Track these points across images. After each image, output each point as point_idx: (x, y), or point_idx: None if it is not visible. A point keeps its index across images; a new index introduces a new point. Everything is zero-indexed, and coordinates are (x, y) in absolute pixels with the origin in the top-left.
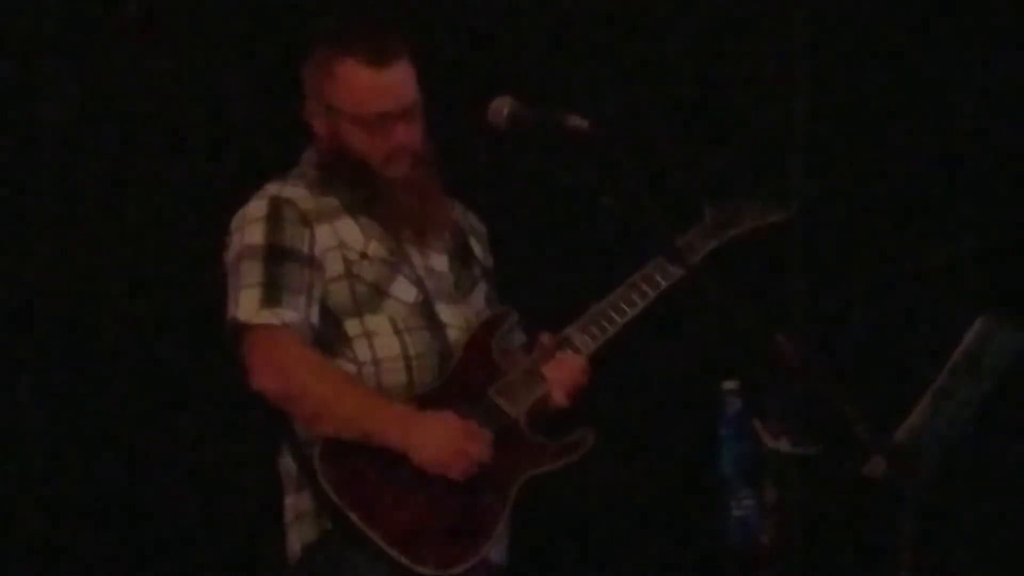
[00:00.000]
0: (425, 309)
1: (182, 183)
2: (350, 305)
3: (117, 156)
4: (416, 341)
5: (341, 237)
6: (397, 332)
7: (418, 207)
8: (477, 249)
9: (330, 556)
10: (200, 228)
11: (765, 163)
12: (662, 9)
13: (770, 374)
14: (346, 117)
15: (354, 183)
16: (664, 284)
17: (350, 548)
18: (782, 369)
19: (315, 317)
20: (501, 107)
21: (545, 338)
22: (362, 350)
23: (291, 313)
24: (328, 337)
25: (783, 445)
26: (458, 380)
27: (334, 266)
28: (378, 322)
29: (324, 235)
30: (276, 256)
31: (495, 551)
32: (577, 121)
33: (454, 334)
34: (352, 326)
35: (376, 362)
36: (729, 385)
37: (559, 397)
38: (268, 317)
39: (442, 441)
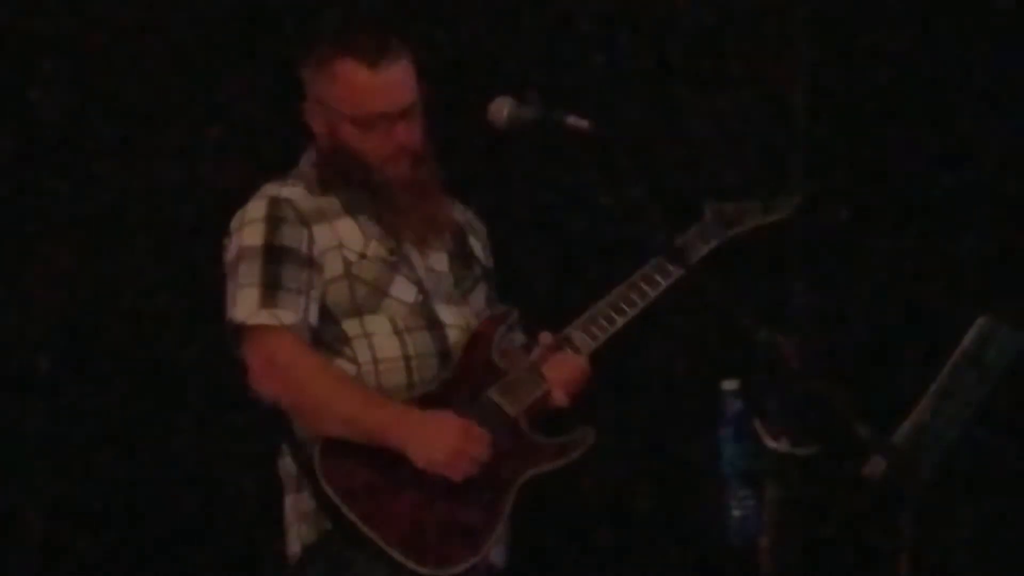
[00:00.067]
0: (425, 309)
1: (182, 183)
2: (349, 305)
3: (117, 156)
4: (416, 341)
5: (340, 237)
6: (397, 332)
7: (418, 207)
8: (477, 249)
9: (330, 556)
10: (200, 228)
11: (765, 163)
12: (662, 9)
13: (770, 374)
14: (345, 117)
15: (353, 183)
16: (664, 284)
17: (350, 548)
18: (782, 369)
19: (314, 317)
20: (501, 107)
21: (545, 338)
22: (362, 350)
23: (289, 314)
24: (327, 337)
25: (783, 445)
26: (458, 380)
27: (333, 266)
28: (378, 322)
29: (323, 235)
30: (275, 256)
31: (495, 551)
32: (577, 121)
33: (454, 334)
34: (351, 326)
35: (376, 362)
36: (729, 385)
37: (559, 397)
38: (266, 318)
39: (442, 441)
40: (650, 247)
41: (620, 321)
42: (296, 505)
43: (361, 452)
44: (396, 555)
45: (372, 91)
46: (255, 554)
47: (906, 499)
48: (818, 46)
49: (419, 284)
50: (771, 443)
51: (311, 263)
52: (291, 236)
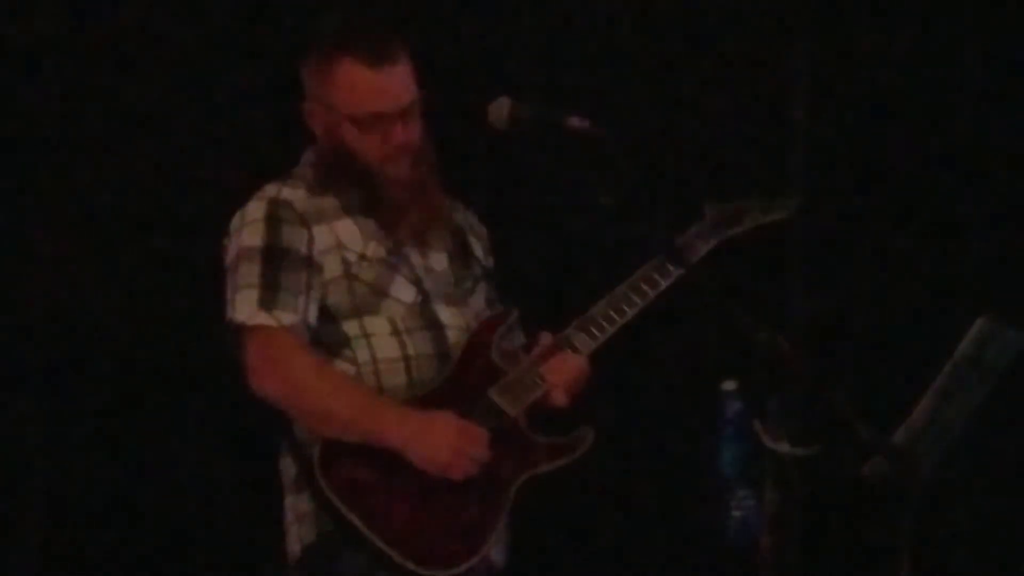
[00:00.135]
0: (424, 309)
1: (182, 183)
2: (349, 306)
3: (116, 156)
4: (415, 342)
5: (340, 238)
6: (396, 333)
7: (418, 207)
8: (477, 249)
9: (330, 556)
10: (200, 228)
11: (765, 163)
12: (662, 9)
13: (770, 374)
14: (345, 117)
15: (353, 183)
16: (664, 284)
17: (350, 549)
18: (782, 369)
19: (313, 318)
20: (501, 107)
21: (545, 338)
22: (361, 351)
23: (289, 314)
24: (327, 338)
25: (783, 445)
26: (457, 380)
27: (333, 267)
28: (377, 323)
29: (323, 236)
30: (274, 257)
31: (495, 551)
32: (577, 121)
33: (453, 334)
34: (351, 327)
35: (375, 363)
36: (729, 385)
37: (559, 397)
38: (266, 319)
39: (441, 441)
40: (650, 247)
41: (620, 321)
42: (296, 505)
43: (361, 453)
44: (396, 555)
45: (372, 91)
46: (255, 554)
47: (906, 499)
48: (818, 46)
49: (419, 284)
50: (771, 443)
51: (310, 264)
52: (291, 237)
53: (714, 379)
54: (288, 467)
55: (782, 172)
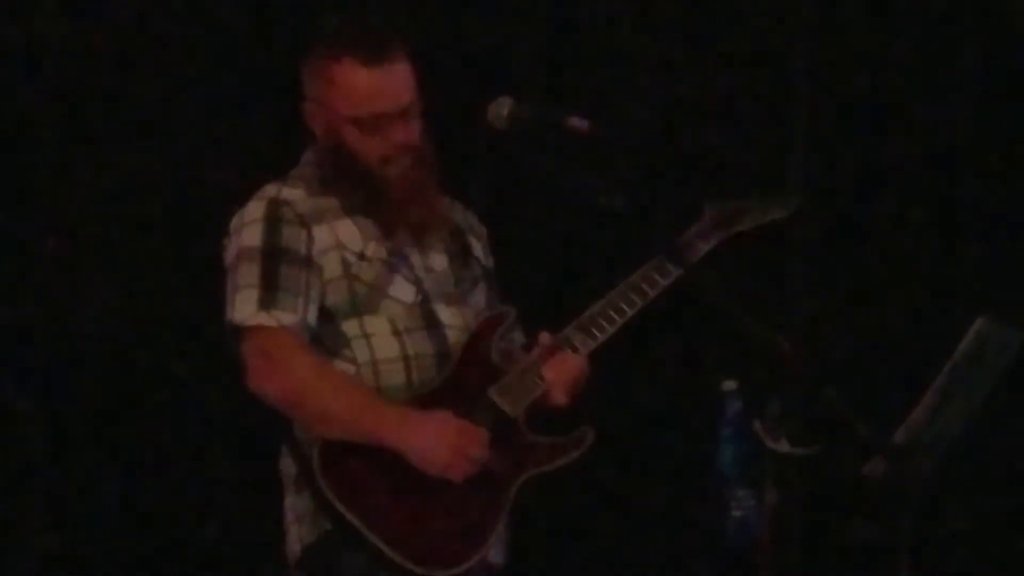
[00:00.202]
0: (424, 309)
1: (182, 184)
2: (348, 306)
3: (116, 156)
4: (415, 342)
5: (340, 238)
6: (396, 333)
7: (417, 207)
8: (477, 249)
9: (330, 556)
10: (200, 229)
11: (765, 163)
12: (662, 8)
13: (770, 374)
14: (345, 117)
15: (353, 183)
16: (663, 284)
17: (350, 549)
18: (782, 369)
19: (313, 318)
20: (501, 107)
21: (545, 338)
22: (361, 351)
23: (288, 315)
24: (327, 338)
25: (783, 445)
26: (457, 380)
27: (332, 267)
28: (377, 323)
29: (322, 236)
30: (273, 257)
31: (495, 551)
32: (577, 121)
33: (453, 334)
34: (351, 327)
35: (375, 363)
36: (729, 385)
37: (558, 397)
38: (265, 319)
39: (441, 441)
40: (650, 247)
41: (620, 321)
42: (296, 505)
43: (361, 453)
44: (395, 556)
45: (371, 91)
46: (255, 554)
47: (906, 499)
48: (818, 46)
49: (418, 284)
50: (771, 443)
51: (310, 264)
52: (290, 237)
53: (714, 379)
54: (288, 467)
55: (782, 172)
